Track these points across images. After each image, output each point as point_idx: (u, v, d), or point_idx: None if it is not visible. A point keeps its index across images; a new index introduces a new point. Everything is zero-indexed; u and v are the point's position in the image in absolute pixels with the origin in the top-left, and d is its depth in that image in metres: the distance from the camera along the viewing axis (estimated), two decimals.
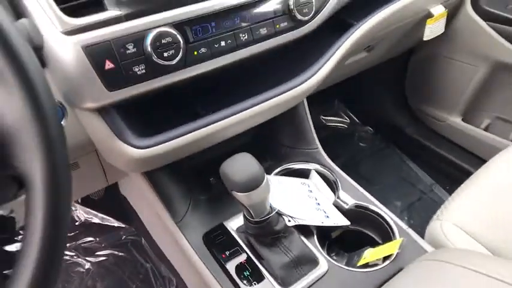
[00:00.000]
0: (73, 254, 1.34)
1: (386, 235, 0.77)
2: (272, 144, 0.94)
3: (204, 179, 0.86)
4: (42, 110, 0.35)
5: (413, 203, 1.40)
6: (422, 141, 1.58)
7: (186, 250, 0.73)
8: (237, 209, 0.79)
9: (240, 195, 0.61)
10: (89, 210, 1.41)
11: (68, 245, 1.36)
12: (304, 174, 0.89)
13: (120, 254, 1.32)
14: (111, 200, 1.30)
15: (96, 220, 1.40)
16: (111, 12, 0.58)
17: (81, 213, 1.42)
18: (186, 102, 0.72)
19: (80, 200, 1.41)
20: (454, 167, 1.48)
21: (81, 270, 1.30)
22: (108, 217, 1.39)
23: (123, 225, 1.38)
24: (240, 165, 0.62)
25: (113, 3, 0.59)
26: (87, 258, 1.32)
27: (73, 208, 1.43)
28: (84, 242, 1.36)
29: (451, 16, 1.30)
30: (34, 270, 0.34)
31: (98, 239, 1.36)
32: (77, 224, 1.41)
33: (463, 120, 1.49)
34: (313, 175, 0.88)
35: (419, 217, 1.34)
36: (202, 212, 0.80)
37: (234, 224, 0.76)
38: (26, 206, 0.36)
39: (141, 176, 0.75)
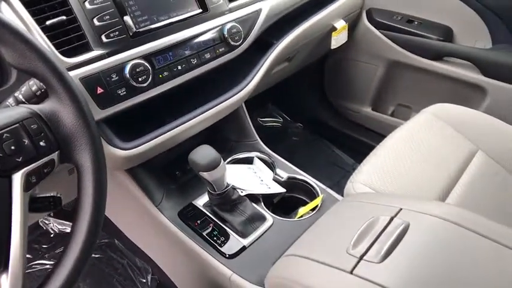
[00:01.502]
0: (52, 262, 1.49)
1: (313, 196, 1.04)
2: (221, 140, 1.19)
3: (172, 173, 1.09)
4: (87, 120, 0.57)
5: (339, 180, 1.70)
6: (342, 130, 1.87)
7: (167, 226, 0.96)
8: (201, 191, 1.03)
9: (205, 174, 0.85)
10: (62, 221, 1.57)
11: (46, 255, 1.51)
12: (248, 161, 1.15)
13: (97, 255, 1.49)
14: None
15: (69, 230, 1.56)
16: (96, 52, 0.81)
17: (54, 225, 1.57)
18: (156, 112, 0.95)
19: (52, 214, 1.56)
20: (369, 148, 1.80)
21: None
22: None
23: None
24: (203, 153, 0.86)
25: (96, 45, 0.81)
26: None
27: (46, 222, 1.58)
28: (62, 251, 1.51)
29: (352, 27, 1.62)
30: (90, 217, 0.56)
31: None
32: (51, 236, 1.56)
33: (372, 109, 1.79)
34: (256, 161, 1.14)
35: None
36: (174, 197, 1.03)
37: (200, 201, 1.00)
38: (79, 184, 0.58)
39: (124, 173, 0.97)
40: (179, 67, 0.90)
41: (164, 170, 1.08)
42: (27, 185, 0.53)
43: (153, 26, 0.88)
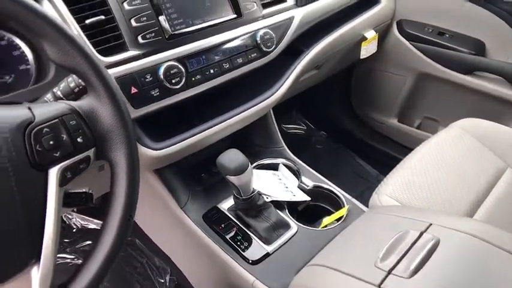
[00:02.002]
0: (73, 257, 1.51)
1: (338, 205, 1.03)
2: (247, 145, 1.19)
3: (197, 175, 1.10)
4: (124, 118, 0.57)
5: (363, 191, 1.68)
6: (367, 141, 1.86)
7: (191, 228, 0.96)
8: (226, 194, 1.03)
9: (232, 178, 0.85)
10: (85, 217, 1.59)
11: (67, 249, 1.53)
12: (273, 167, 1.15)
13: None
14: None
15: (92, 226, 1.58)
16: (132, 52, 0.82)
17: (77, 220, 1.59)
18: (185, 114, 0.95)
19: (75, 209, 1.59)
20: (393, 159, 1.78)
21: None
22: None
23: None
24: (231, 157, 0.86)
25: (132, 45, 0.82)
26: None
27: (69, 216, 1.61)
28: (83, 246, 1.53)
29: (382, 38, 1.61)
30: (122, 215, 0.57)
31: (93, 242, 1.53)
32: (74, 231, 1.58)
33: (398, 121, 1.78)
34: (281, 167, 1.13)
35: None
36: (199, 199, 1.03)
37: (225, 205, 1.00)
38: (112, 181, 0.58)
39: (152, 173, 0.98)
40: (211, 71, 0.91)
41: (190, 172, 1.09)
42: (63, 180, 0.54)
43: (188, 29, 0.89)
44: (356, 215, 0.98)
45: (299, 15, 1.12)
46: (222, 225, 0.95)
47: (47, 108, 0.54)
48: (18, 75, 0.81)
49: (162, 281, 1.42)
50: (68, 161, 0.54)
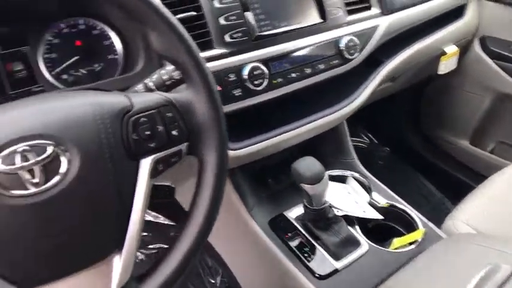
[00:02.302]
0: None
1: (410, 227, 0.97)
2: (316, 154, 1.15)
3: (264, 181, 1.08)
4: (219, 115, 0.56)
5: (427, 213, 1.59)
6: (433, 161, 1.77)
7: (256, 232, 0.94)
8: (293, 202, 1.00)
9: (307, 187, 0.82)
10: (150, 211, 1.61)
11: None
12: (342, 179, 1.10)
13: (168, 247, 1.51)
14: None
15: (149, 218, 1.61)
16: (217, 51, 0.81)
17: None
18: (261, 116, 0.94)
19: None
20: (462, 184, 1.68)
21: (136, 260, 1.48)
22: (159, 215, 1.59)
23: (172, 224, 1.58)
24: (308, 165, 0.83)
25: (218, 44, 0.82)
26: (141, 250, 1.51)
27: None
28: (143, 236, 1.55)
29: (462, 54, 1.52)
30: (206, 214, 0.55)
31: (150, 234, 1.55)
32: None
33: (470, 143, 1.68)
34: (351, 180, 1.09)
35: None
36: (265, 204, 1.00)
37: (292, 214, 0.97)
38: (199, 177, 0.57)
39: None
40: (293, 74, 0.89)
41: (256, 176, 1.06)
42: (154, 172, 0.53)
43: (273, 31, 0.87)
44: (431, 240, 0.91)
45: (384, 24, 1.07)
46: (289, 234, 0.92)
47: (144, 98, 0.54)
48: (106, 64, 0.83)
49: (213, 281, 1.41)
50: (161, 153, 0.53)
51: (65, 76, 0.80)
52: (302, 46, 0.90)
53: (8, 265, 0.47)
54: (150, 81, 0.65)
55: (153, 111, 0.52)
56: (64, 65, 0.79)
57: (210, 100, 0.55)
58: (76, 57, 0.80)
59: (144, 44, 0.76)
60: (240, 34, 0.83)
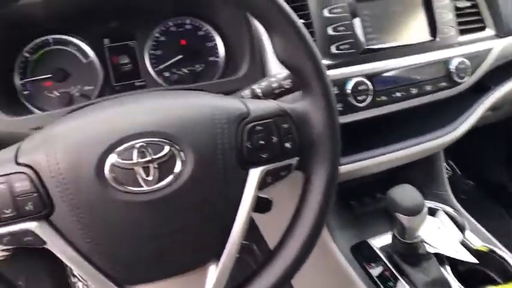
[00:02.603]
0: None
1: (507, 276, 0.86)
2: (404, 181, 1.08)
3: (347, 203, 1.02)
4: (335, 131, 0.52)
5: None
6: None
7: (335, 256, 0.88)
8: (377, 230, 0.93)
9: (403, 218, 0.75)
10: None
11: None
12: (430, 212, 1.01)
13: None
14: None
15: None
16: (323, 61, 0.77)
17: None
18: (356, 134, 0.88)
19: None
20: None
21: None
22: None
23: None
24: (406, 194, 0.76)
25: (324, 54, 0.78)
26: None
27: None
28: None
29: None
30: (308, 235, 0.51)
31: None
32: None
33: None
34: (440, 214, 1.00)
35: None
36: (348, 229, 0.94)
37: (377, 242, 0.90)
38: (304, 194, 0.53)
39: None
40: (398, 93, 0.83)
41: (340, 197, 1.01)
42: (262, 184, 0.50)
43: (382, 46, 0.82)
44: None
45: (498, 47, 0.98)
46: (372, 264, 0.85)
47: (260, 106, 0.51)
48: (207, 66, 0.82)
49: None
50: (272, 165, 0.50)
51: (167, 73, 0.80)
52: (410, 64, 0.84)
53: (111, 259, 0.45)
54: (258, 88, 0.62)
55: (269, 120, 0.49)
56: (168, 63, 0.80)
57: (327, 113, 0.51)
58: (180, 56, 0.80)
59: (250, 48, 0.74)
60: (347, 46, 0.79)
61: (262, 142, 0.48)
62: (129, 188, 0.43)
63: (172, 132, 0.45)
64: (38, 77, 0.76)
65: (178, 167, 0.44)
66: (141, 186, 0.43)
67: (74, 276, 1.21)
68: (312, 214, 0.52)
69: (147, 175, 0.43)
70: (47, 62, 0.76)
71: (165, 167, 0.44)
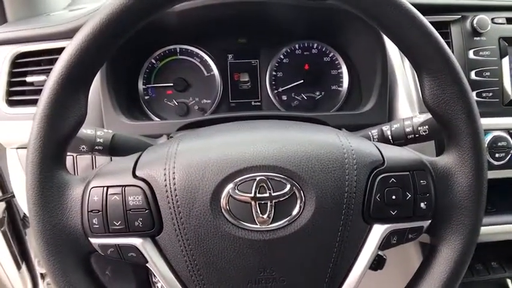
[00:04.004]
0: None
1: None
2: None
3: None
4: (481, 197, 0.44)
5: None
6: None
7: None
8: None
9: None
10: None
11: None
12: None
13: None
14: None
15: None
16: None
17: None
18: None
19: None
20: None
21: None
22: None
23: None
24: None
25: None
26: None
27: None
28: None
29: None
30: None
31: None
32: None
33: None
34: None
35: None
36: None
37: None
38: (425, 265, 0.46)
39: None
40: None
41: None
42: (386, 243, 0.43)
43: None
44: None
45: None
46: None
47: (397, 154, 0.45)
48: (328, 95, 0.77)
49: None
50: (400, 225, 0.43)
51: (284, 97, 0.77)
52: None
53: None
54: (388, 130, 0.56)
55: (405, 173, 0.43)
56: (288, 86, 0.77)
57: (477, 173, 0.43)
58: (301, 81, 0.77)
59: (380, 82, 0.68)
60: (490, 94, 0.69)
61: (394, 197, 0.42)
62: (242, 222, 0.40)
63: (297, 171, 0.40)
64: (161, 84, 0.77)
65: (296, 210, 0.40)
66: (254, 223, 0.40)
67: (155, 276, 1.23)
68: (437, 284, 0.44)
69: (263, 213, 0.40)
70: (171, 71, 0.77)
71: (282, 207, 0.40)
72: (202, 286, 0.42)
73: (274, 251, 0.41)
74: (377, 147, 0.45)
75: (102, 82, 0.66)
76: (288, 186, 0.40)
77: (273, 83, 0.77)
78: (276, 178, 0.40)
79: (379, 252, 0.48)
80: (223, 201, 0.40)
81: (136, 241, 0.41)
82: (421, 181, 0.43)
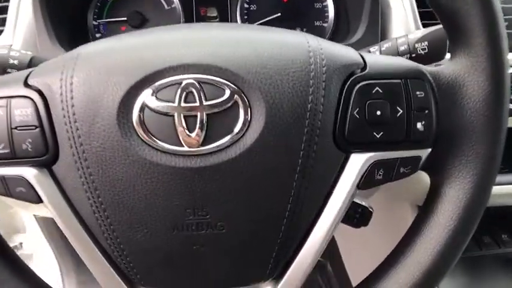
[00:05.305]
0: None
1: None
2: None
3: None
4: (502, 119, 0.32)
5: None
6: None
7: None
8: (498, 284, 0.69)
9: None
10: None
11: None
12: None
13: None
14: None
15: None
16: None
17: None
18: None
19: None
20: None
21: None
22: None
23: None
24: None
25: None
26: None
27: None
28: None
29: None
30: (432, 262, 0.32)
31: None
32: None
33: None
34: None
35: None
36: (455, 276, 0.72)
37: None
38: (435, 206, 0.34)
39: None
40: None
41: None
42: (368, 180, 0.32)
43: None
44: None
45: None
46: None
47: (384, 60, 0.33)
48: (310, 31, 0.65)
49: None
50: (388, 153, 0.32)
51: None
52: None
53: (122, 243, 0.31)
54: (377, 51, 0.44)
55: (396, 80, 0.31)
56: (263, 20, 0.65)
57: (495, 84, 0.31)
58: (278, 14, 0.65)
59: (370, 6, 0.56)
60: None
61: (378, 113, 0.30)
62: (162, 143, 0.28)
63: (239, 72, 0.29)
64: (113, 19, 0.66)
65: (238, 126, 0.29)
66: (180, 145, 0.28)
67: None
68: (436, 248, 0.33)
69: (191, 130, 0.28)
70: (126, 4, 0.66)
71: (219, 122, 0.28)
72: (111, 233, 0.30)
73: (208, 184, 0.29)
74: (360, 53, 0.33)
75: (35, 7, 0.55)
76: (227, 93, 0.28)
77: (245, 17, 0.65)
78: (210, 82, 0.29)
79: (364, 203, 0.37)
80: (135, 113, 0.28)
81: (26, 171, 0.30)
82: (418, 92, 0.31)
